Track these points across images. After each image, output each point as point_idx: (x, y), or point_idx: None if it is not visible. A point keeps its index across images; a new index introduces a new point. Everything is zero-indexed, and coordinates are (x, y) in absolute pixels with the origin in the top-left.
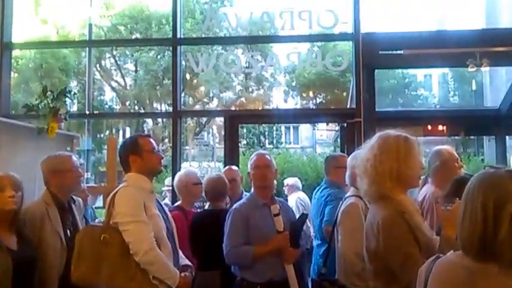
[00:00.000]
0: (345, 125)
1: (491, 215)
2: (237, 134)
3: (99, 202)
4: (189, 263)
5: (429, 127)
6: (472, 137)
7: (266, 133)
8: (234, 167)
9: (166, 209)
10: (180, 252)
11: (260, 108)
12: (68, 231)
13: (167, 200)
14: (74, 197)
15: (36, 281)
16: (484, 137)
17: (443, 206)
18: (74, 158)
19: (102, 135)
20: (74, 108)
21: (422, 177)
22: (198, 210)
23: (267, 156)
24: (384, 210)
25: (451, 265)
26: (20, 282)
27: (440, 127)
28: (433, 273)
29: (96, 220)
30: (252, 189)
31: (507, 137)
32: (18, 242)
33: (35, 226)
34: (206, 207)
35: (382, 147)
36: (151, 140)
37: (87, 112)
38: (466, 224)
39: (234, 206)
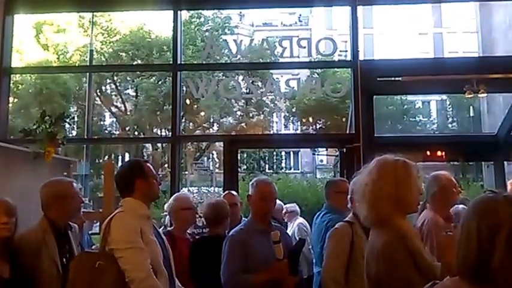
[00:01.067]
0: (345, 150)
1: (486, 240)
2: (237, 159)
3: (96, 228)
4: None
5: (428, 153)
6: (471, 163)
7: (266, 158)
8: (234, 192)
9: (163, 235)
10: (177, 280)
11: (260, 133)
12: (64, 259)
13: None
14: (70, 223)
15: None
16: (483, 163)
17: (443, 231)
18: (75, 184)
19: (100, 161)
20: (73, 134)
21: (421, 202)
22: (197, 237)
23: (273, 187)
24: (384, 236)
25: None
26: None
27: (439, 153)
28: None
29: (93, 247)
30: (250, 215)
31: (505, 162)
32: (11, 270)
33: (30, 254)
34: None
35: (381, 172)
36: (151, 166)
37: (86, 137)
38: (462, 248)
39: (231, 233)
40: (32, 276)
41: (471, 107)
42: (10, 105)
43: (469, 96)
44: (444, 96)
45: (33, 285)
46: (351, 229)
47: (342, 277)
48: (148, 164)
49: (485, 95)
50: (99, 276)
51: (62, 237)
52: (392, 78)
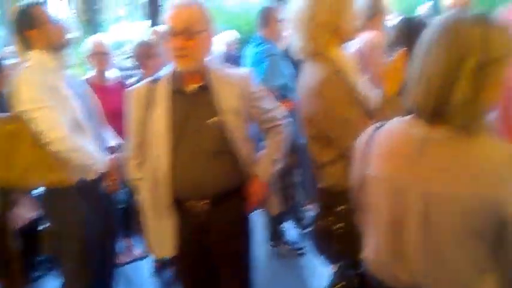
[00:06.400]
0: None
1: (451, 69)
2: None
3: None
4: (115, 143)
5: None
6: None
7: None
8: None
9: (84, 86)
10: (109, 131)
11: None
12: None
13: None
14: None
15: None
16: None
17: (386, 56)
18: None
19: None
20: None
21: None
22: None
23: None
24: (320, 72)
25: (400, 134)
26: None
27: None
28: (380, 143)
29: None
30: None
31: None
32: None
33: None
34: None
35: None
36: (47, 7)
37: None
38: (423, 80)
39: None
40: None
41: None
42: None
43: None
44: None
45: None
46: (148, 91)
47: (137, 152)
48: (38, 8)
49: None
50: (13, 142)
51: None
52: None
